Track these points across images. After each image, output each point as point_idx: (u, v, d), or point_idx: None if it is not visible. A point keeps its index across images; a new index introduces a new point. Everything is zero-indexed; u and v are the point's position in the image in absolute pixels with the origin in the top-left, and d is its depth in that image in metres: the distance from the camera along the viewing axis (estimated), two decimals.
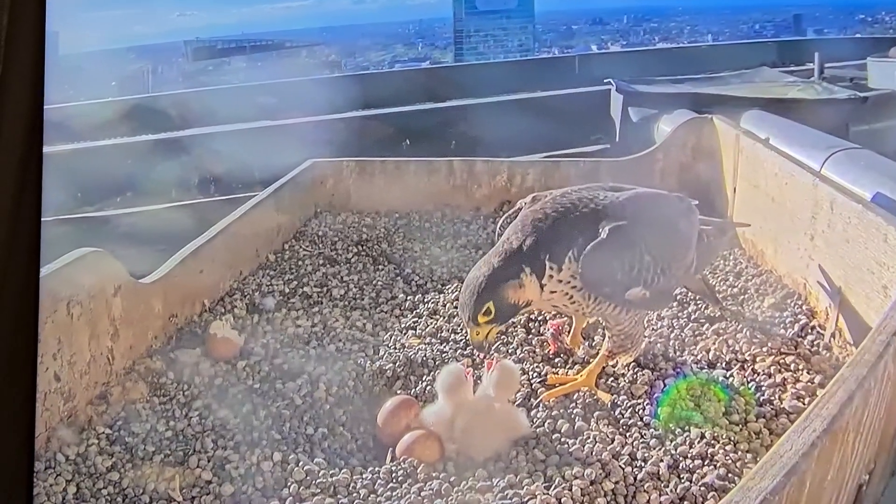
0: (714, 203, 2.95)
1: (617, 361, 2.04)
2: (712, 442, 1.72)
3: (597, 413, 1.87)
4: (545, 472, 1.67)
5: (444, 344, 2.27)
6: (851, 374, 1.36)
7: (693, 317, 2.31)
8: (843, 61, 6.98)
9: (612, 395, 1.94)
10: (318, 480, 1.70)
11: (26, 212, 0.97)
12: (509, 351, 2.20)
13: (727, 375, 1.98)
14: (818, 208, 2.27)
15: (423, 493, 1.63)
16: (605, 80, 6.24)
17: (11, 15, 0.92)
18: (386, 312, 2.51)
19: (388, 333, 2.37)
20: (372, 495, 1.66)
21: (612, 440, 1.77)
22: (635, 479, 1.63)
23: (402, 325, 2.41)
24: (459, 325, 2.31)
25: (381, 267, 2.83)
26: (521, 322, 2.31)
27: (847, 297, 2.09)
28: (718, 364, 2.05)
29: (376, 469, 1.73)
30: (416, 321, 2.43)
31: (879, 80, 6.04)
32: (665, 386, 1.94)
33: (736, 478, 1.61)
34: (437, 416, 1.84)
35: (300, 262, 2.85)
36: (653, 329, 2.24)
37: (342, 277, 2.73)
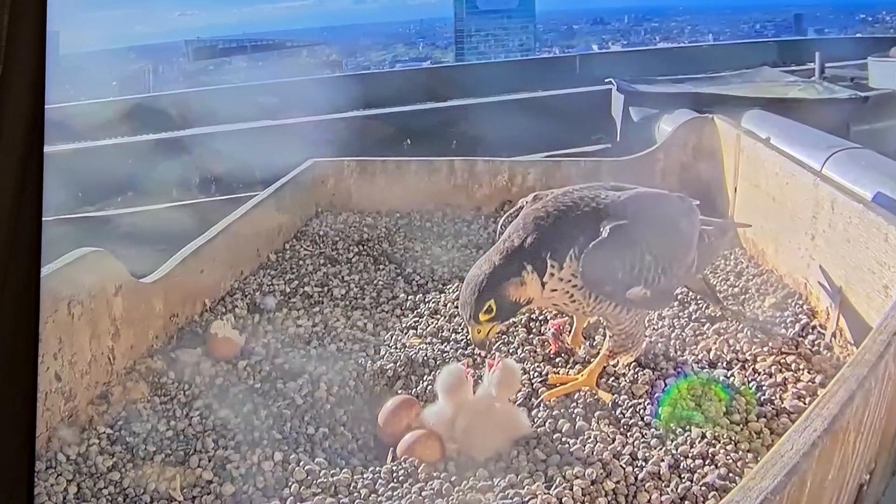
0: (715, 203, 2.95)
1: (618, 361, 2.04)
2: (713, 441, 1.72)
3: (598, 413, 1.87)
4: (546, 471, 1.67)
5: (445, 344, 2.27)
6: (852, 373, 1.36)
7: (694, 316, 2.31)
8: (843, 61, 6.99)
9: (613, 394, 1.94)
10: (318, 480, 1.70)
11: (27, 211, 0.97)
12: (510, 350, 2.20)
13: (728, 375, 1.98)
14: (819, 208, 2.27)
15: (423, 493, 1.63)
16: (606, 80, 6.25)
17: (12, 14, 0.92)
18: (387, 312, 2.51)
19: (389, 333, 2.37)
20: (373, 495, 1.65)
21: (613, 440, 1.77)
22: (636, 478, 1.63)
23: (403, 325, 2.41)
24: (460, 325, 2.31)
25: (382, 266, 2.83)
26: (522, 322, 2.31)
27: (848, 296, 2.09)
28: (719, 364, 2.05)
29: (377, 469, 1.73)
30: (417, 321, 2.43)
31: (880, 79, 6.05)
32: (666, 385, 1.94)
33: (737, 477, 1.61)
34: (438, 415, 1.84)
35: (301, 262, 2.85)
36: (654, 328, 2.24)
37: (343, 277, 2.73)
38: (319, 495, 1.65)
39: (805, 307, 2.30)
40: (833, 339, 2.11)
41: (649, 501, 1.59)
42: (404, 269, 2.79)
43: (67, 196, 4.89)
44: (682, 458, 1.68)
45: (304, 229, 3.13)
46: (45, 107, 0.97)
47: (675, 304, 2.36)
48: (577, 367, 2.11)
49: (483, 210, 3.27)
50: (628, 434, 1.80)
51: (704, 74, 6.68)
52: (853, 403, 1.30)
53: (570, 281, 1.85)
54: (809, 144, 3.66)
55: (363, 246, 2.98)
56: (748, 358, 2.05)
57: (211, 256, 2.51)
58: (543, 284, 1.84)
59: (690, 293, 2.41)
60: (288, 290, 2.63)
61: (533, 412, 1.91)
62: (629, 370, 2.02)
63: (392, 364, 2.14)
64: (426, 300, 2.55)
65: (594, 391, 1.95)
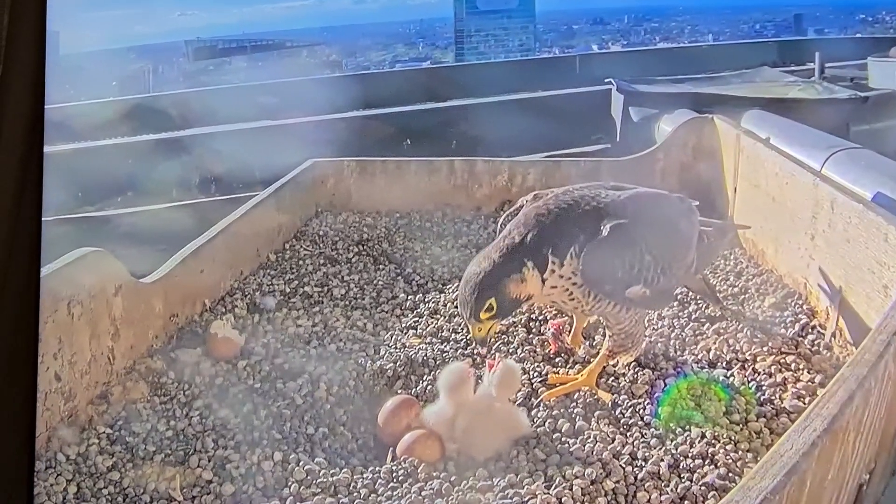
0: (715, 202, 2.95)
1: (618, 361, 2.04)
2: (713, 441, 1.72)
3: (597, 412, 1.87)
4: (546, 471, 1.67)
5: (445, 343, 2.27)
6: (852, 373, 1.36)
7: (694, 316, 2.31)
8: (843, 61, 6.99)
9: (613, 394, 1.94)
10: (318, 480, 1.70)
11: (27, 211, 0.97)
12: (510, 350, 2.19)
13: (728, 375, 1.98)
14: (819, 208, 2.27)
15: (423, 493, 1.63)
16: (605, 80, 6.25)
17: (12, 14, 0.92)
18: (387, 312, 2.51)
19: (389, 333, 2.37)
20: (372, 495, 1.66)
21: (613, 439, 1.77)
22: (636, 478, 1.63)
23: (403, 325, 2.41)
24: (460, 325, 2.31)
25: (381, 266, 2.83)
26: (522, 322, 2.31)
27: (847, 296, 2.09)
28: (719, 363, 2.05)
29: (377, 469, 1.73)
30: (417, 321, 2.43)
31: (880, 79, 6.05)
32: (666, 385, 1.94)
33: (736, 477, 1.61)
34: (438, 415, 1.84)
35: (301, 262, 2.85)
36: (653, 328, 2.24)
37: (343, 277, 2.73)
38: (319, 495, 1.65)
39: (805, 307, 2.30)
40: (833, 338, 2.11)
41: (649, 501, 1.59)
42: (404, 269, 2.79)
43: (67, 196, 4.89)
44: (681, 458, 1.68)
45: (304, 229, 3.13)
46: (45, 107, 0.98)
47: (675, 304, 2.36)
48: (577, 366, 2.11)
49: (483, 210, 3.28)
50: (628, 434, 1.80)
51: (704, 74, 6.68)
52: (853, 403, 1.30)
53: (570, 279, 1.85)
54: (809, 144, 3.66)
55: (363, 246, 2.98)
56: (748, 358, 2.05)
57: (211, 256, 2.51)
58: (544, 281, 1.84)
59: (690, 293, 2.41)
60: (288, 290, 2.63)
61: (533, 412, 1.91)
62: (629, 370, 2.02)
63: (392, 364, 2.14)
64: (426, 300, 2.55)
65: (594, 391, 1.95)
